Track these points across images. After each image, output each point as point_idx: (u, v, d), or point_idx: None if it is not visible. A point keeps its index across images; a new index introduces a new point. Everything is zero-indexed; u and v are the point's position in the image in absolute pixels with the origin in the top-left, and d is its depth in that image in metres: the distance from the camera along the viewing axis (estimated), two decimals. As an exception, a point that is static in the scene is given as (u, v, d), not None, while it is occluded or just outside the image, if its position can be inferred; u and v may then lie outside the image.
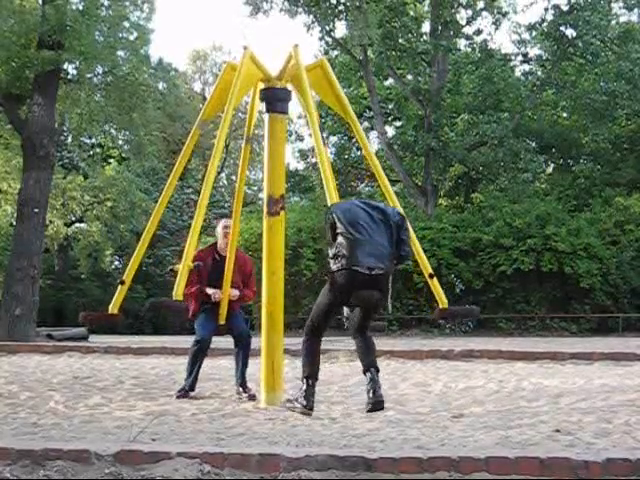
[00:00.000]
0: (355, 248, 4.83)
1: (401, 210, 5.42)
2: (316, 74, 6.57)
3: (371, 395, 4.84)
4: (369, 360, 5.03)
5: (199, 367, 6.77)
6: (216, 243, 7.04)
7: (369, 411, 4.88)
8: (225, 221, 7.05)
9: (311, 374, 5.00)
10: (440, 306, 6.25)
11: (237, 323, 6.87)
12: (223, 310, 6.75)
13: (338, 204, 5.39)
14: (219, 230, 7.02)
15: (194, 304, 6.80)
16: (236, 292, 6.78)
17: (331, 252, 4.97)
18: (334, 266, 4.92)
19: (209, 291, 6.73)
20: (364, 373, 5.00)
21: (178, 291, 5.55)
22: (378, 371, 4.98)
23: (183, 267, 5.61)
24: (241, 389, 6.67)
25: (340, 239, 4.90)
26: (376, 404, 4.84)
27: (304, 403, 4.89)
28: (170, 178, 6.45)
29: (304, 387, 4.94)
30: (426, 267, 6.28)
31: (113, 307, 6.11)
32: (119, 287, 6.22)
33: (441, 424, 4.95)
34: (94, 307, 34.48)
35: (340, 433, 4.59)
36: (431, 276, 6.28)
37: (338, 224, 4.96)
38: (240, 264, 6.92)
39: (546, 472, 3.42)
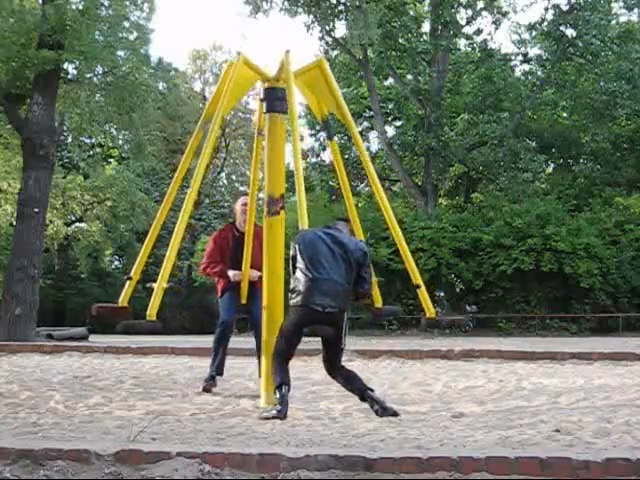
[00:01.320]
0: (312, 286, 5.14)
1: (364, 246, 5.45)
2: (314, 74, 6.57)
3: (381, 412, 5.10)
4: (358, 387, 5.29)
5: (224, 351, 6.86)
6: (234, 221, 7.13)
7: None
8: (243, 198, 7.06)
9: (283, 382, 5.20)
10: (427, 315, 6.40)
11: (255, 309, 6.75)
12: (244, 290, 6.80)
13: (303, 235, 5.47)
14: (237, 207, 7.09)
15: (221, 283, 6.91)
16: (256, 273, 6.71)
17: (291, 285, 5.26)
18: (291, 301, 5.24)
19: (230, 273, 6.80)
20: (362, 401, 5.25)
21: (151, 311, 5.70)
22: (373, 390, 5.26)
23: (158, 287, 5.68)
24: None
25: (298, 274, 5.18)
26: (393, 415, 5.10)
27: (278, 409, 5.11)
28: (174, 178, 6.46)
29: (278, 395, 5.16)
30: (415, 276, 6.37)
31: (123, 301, 6.14)
32: (127, 282, 6.23)
33: (441, 424, 4.95)
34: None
35: (340, 433, 4.59)
36: (417, 287, 6.36)
37: (299, 258, 5.22)
38: (261, 240, 6.80)
39: (546, 472, 3.41)
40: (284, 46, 6.38)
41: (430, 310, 6.35)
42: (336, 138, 35.96)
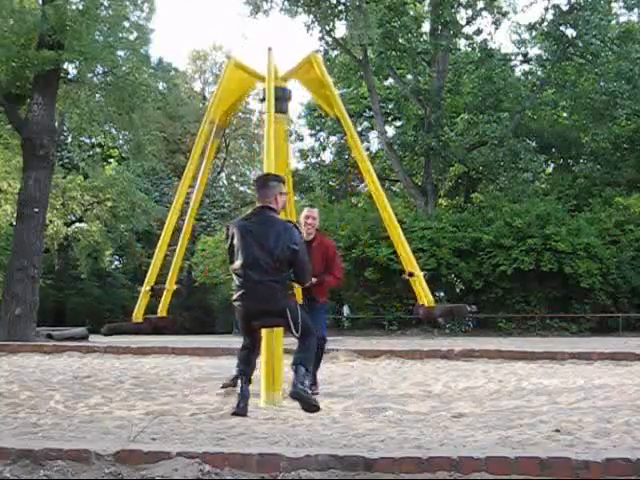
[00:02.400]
0: (246, 287, 5.17)
1: (295, 245, 5.21)
2: (305, 70, 6.57)
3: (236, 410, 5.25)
4: (245, 371, 5.43)
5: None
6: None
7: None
8: (307, 211, 7.01)
9: (243, 373, 5.35)
10: (425, 304, 6.15)
11: (317, 324, 6.58)
12: (299, 295, 6.63)
13: (240, 229, 5.31)
14: (301, 220, 6.99)
15: None
16: (312, 279, 6.64)
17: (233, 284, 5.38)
18: (233, 297, 5.33)
19: None
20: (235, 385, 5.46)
21: (137, 313, 5.80)
22: (250, 382, 5.41)
23: (143, 291, 5.71)
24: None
25: (235, 277, 5.25)
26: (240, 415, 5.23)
27: (235, 405, 5.25)
28: (181, 183, 6.47)
29: (237, 389, 5.30)
30: (411, 264, 6.21)
31: (162, 310, 6.15)
32: (164, 292, 6.22)
33: (441, 424, 4.95)
34: (94, 307, 34.55)
35: (340, 433, 4.59)
36: (410, 275, 6.21)
37: (236, 259, 5.23)
38: (323, 249, 6.89)
39: (546, 472, 3.42)
40: (284, 46, 6.40)
41: (429, 299, 6.12)
42: (335, 138, 35.92)
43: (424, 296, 6.07)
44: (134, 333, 5.57)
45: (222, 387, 6.64)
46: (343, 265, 7.13)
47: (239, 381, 5.35)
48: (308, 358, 5.27)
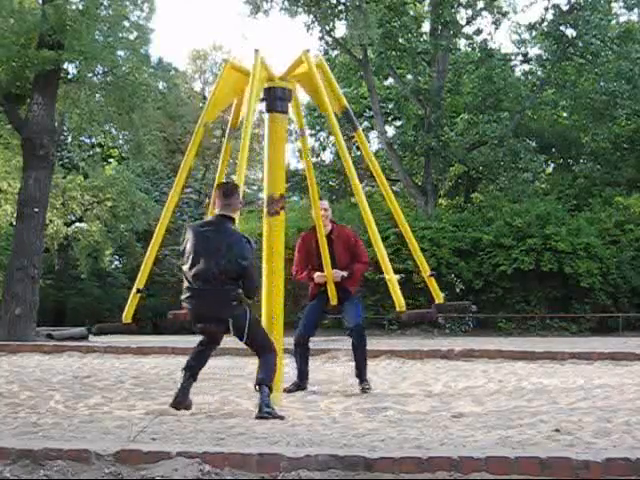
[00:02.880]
0: (192, 292, 5.26)
1: (244, 261, 5.20)
2: (299, 69, 6.58)
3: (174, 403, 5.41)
4: (193, 369, 5.50)
5: (301, 362, 6.90)
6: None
7: None
8: (321, 203, 7.03)
9: (189, 368, 5.44)
10: (436, 301, 6.40)
11: (351, 313, 6.82)
12: (332, 291, 6.82)
13: (196, 234, 5.32)
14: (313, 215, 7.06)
15: (310, 287, 7.02)
16: (339, 273, 6.77)
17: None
18: (181, 297, 5.42)
19: (314, 275, 6.86)
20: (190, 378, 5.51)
21: (127, 315, 5.88)
22: (195, 380, 5.54)
23: (134, 291, 5.73)
24: (358, 382, 6.77)
25: (186, 283, 5.29)
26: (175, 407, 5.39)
27: (174, 396, 5.37)
28: (175, 182, 6.45)
29: (180, 380, 5.38)
30: (425, 268, 6.42)
31: (126, 316, 6.14)
32: (132, 295, 6.19)
33: (441, 424, 4.95)
34: (94, 307, 34.52)
35: (340, 433, 4.59)
36: (432, 276, 6.42)
37: (185, 263, 5.28)
38: (344, 239, 6.91)
39: (546, 472, 3.41)
40: (284, 46, 6.39)
41: (439, 296, 6.37)
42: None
43: (396, 300, 6.05)
44: (124, 333, 5.61)
45: (286, 391, 6.61)
46: (365, 248, 7.03)
47: (182, 374, 5.43)
48: (270, 376, 5.33)
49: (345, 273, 6.77)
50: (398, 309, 6.07)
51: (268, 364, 5.36)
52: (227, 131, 6.83)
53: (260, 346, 5.40)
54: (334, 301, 6.89)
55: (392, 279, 6.12)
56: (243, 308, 5.28)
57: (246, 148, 6.09)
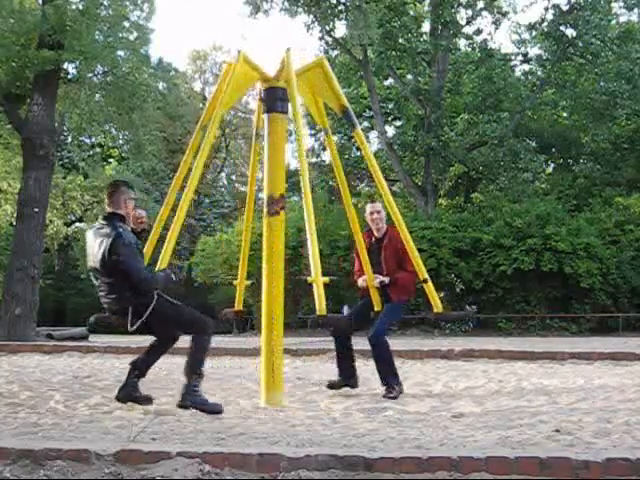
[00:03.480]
0: (98, 292, 5.79)
1: (116, 256, 5.45)
2: (315, 74, 6.59)
3: (120, 394, 5.76)
4: (140, 369, 5.84)
5: (337, 357, 6.75)
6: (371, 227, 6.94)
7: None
8: (369, 207, 6.80)
9: (136, 365, 5.77)
10: (435, 310, 6.36)
11: (378, 320, 6.62)
12: (374, 297, 6.66)
13: (89, 234, 5.73)
14: (367, 216, 6.85)
15: (362, 289, 6.84)
16: (379, 279, 6.57)
17: None
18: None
19: (360, 279, 6.74)
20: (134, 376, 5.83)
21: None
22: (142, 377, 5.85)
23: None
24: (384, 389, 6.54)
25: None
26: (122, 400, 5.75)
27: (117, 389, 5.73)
28: (174, 181, 6.45)
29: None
30: (422, 272, 6.38)
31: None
32: None
33: (441, 424, 4.95)
34: (94, 307, 34.52)
35: (340, 433, 4.59)
36: (425, 281, 6.33)
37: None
38: (394, 245, 6.62)
39: (546, 472, 3.42)
40: (284, 46, 6.37)
41: (437, 305, 6.30)
42: (336, 138, 35.92)
43: (433, 303, 6.25)
44: (121, 326, 5.68)
45: (328, 387, 6.60)
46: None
47: (129, 367, 5.75)
48: (197, 360, 5.50)
49: (386, 280, 6.54)
50: (436, 310, 6.27)
51: (195, 348, 5.51)
52: (253, 132, 6.82)
53: (188, 329, 5.55)
54: (377, 307, 6.67)
55: (429, 282, 6.27)
56: (141, 300, 5.44)
57: (208, 145, 6.07)
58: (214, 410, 5.34)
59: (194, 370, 5.43)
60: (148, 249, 6.24)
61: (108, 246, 5.40)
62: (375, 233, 6.79)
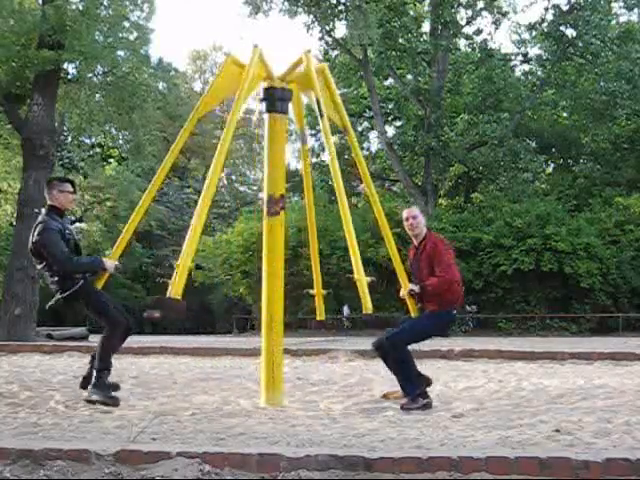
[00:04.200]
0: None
1: (38, 241, 5.85)
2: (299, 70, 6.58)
3: (83, 383, 6.09)
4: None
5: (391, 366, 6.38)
6: None
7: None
8: (405, 212, 6.45)
9: (106, 367, 5.95)
10: (364, 311, 5.84)
11: (401, 326, 6.43)
12: (411, 305, 6.41)
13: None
14: (404, 223, 6.50)
15: None
16: (411, 287, 6.28)
17: None
18: None
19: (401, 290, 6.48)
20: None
21: (178, 290, 5.39)
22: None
23: (183, 267, 5.54)
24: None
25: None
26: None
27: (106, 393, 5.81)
28: (158, 171, 6.54)
29: (101, 381, 5.80)
30: (404, 284, 6.27)
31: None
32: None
33: (441, 424, 4.95)
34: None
35: (340, 433, 4.59)
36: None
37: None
38: (429, 252, 6.21)
39: (546, 472, 3.41)
40: (284, 46, 6.37)
41: (367, 306, 5.75)
42: (336, 138, 36.11)
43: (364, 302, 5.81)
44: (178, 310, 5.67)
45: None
46: (448, 259, 6.21)
47: (105, 374, 5.92)
48: (104, 355, 5.90)
49: (417, 288, 6.23)
50: (364, 311, 5.77)
51: (101, 345, 5.94)
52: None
53: (101, 319, 5.94)
54: (413, 313, 6.43)
55: (362, 280, 5.85)
56: (68, 284, 5.84)
57: (228, 140, 5.95)
58: (115, 404, 5.66)
59: (100, 366, 5.84)
60: (124, 237, 6.28)
61: (33, 231, 5.90)
62: (414, 240, 6.44)
